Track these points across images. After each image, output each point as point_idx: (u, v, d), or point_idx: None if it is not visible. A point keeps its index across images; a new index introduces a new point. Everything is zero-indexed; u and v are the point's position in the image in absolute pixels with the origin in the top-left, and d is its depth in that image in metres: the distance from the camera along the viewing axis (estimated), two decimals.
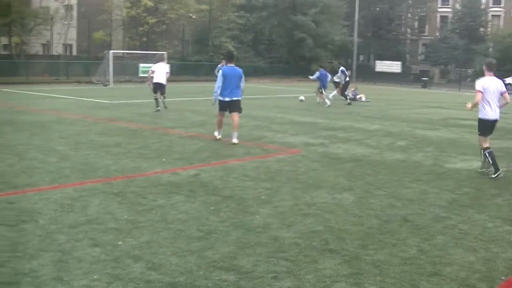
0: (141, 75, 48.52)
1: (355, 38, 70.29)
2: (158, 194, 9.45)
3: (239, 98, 15.96)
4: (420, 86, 61.87)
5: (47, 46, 62.76)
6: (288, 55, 72.19)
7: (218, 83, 15.68)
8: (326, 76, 31.54)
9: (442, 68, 78.48)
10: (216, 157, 13.32)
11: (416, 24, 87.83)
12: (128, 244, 6.97)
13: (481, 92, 11.87)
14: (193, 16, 63.91)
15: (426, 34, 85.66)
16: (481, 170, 12.49)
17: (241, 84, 15.92)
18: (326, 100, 29.97)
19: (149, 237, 7.28)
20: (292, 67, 69.64)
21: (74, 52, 64.52)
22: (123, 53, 55.24)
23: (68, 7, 63.64)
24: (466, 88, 55.03)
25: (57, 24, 57.35)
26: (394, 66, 67.87)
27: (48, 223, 7.75)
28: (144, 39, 59.46)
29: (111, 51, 47.22)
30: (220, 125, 16.24)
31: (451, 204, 9.62)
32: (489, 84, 11.98)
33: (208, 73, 57.85)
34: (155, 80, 23.73)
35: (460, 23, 77.67)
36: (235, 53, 16.06)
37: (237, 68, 16.10)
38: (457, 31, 77.32)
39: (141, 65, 48.83)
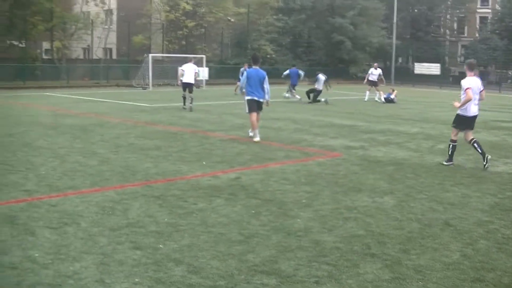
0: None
1: (394, 40, 69.75)
2: (198, 198, 9.48)
3: (261, 100, 16.69)
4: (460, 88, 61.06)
5: (87, 50, 63.30)
6: (326, 58, 71.92)
7: (242, 83, 17.10)
8: (296, 74, 34.24)
9: (481, 69, 77.55)
10: (256, 160, 13.32)
11: (455, 25, 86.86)
12: (169, 247, 7.01)
13: (471, 88, 13.04)
14: (232, 20, 64.00)
15: (465, 35, 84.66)
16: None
17: (265, 86, 16.65)
18: (296, 96, 33.25)
19: (190, 240, 7.30)
20: (331, 69, 69.38)
21: (114, 56, 64.98)
22: (162, 56, 55.54)
23: (108, 12, 64.05)
24: (507, 90, 54.38)
25: (98, 28, 57.78)
26: (433, 68, 67.19)
27: (90, 226, 7.82)
28: (183, 42, 59.66)
29: (151, 55, 47.51)
30: (255, 126, 16.57)
31: (493, 208, 9.51)
32: (473, 84, 13.22)
33: None
34: (184, 80, 26.22)
35: (499, 23, 76.55)
36: (259, 56, 17.07)
37: (261, 70, 16.82)
38: (497, 32, 76.29)
39: (180, 68, 49.05)
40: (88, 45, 58.69)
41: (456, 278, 6.32)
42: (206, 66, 50.11)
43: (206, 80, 49.06)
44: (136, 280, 6.00)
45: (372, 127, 20.54)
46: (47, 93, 35.95)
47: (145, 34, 59.69)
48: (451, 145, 13.53)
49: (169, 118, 22.09)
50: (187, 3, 57.73)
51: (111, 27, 63.80)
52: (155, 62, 45.80)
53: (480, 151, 13.22)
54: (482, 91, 13.54)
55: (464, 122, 13.46)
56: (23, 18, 49.91)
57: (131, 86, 46.06)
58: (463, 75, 15.05)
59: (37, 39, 53.71)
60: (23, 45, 51.40)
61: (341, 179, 11.44)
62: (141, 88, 44.17)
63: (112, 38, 63.31)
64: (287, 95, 34.59)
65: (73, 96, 33.96)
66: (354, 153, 14.79)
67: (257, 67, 16.85)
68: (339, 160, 13.73)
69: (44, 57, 56.92)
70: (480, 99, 13.56)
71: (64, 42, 53.76)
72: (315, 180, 11.24)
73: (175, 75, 45.54)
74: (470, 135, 13.53)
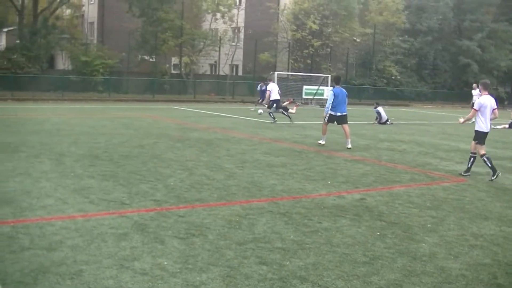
0: (305, 96, 49.03)
1: None
2: (323, 217, 9.52)
3: (346, 113, 19.75)
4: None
5: (214, 66, 64.54)
6: (452, 81, 70.70)
7: (329, 101, 19.51)
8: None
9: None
10: (381, 182, 13.23)
11: None
12: (294, 265, 7.07)
13: (477, 110, 14.54)
14: (357, 40, 63.90)
15: None
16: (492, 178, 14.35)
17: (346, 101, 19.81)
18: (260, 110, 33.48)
19: (315, 259, 7.34)
20: (456, 93, 68.19)
21: (240, 73, 65.98)
22: (288, 74, 56.04)
23: (236, 29, 65.22)
24: None
25: (225, 45, 58.89)
26: None
27: (216, 238, 7.98)
28: (308, 61, 59.99)
29: (276, 72, 48.01)
30: (324, 132, 19.90)
31: None
32: (487, 103, 14.46)
33: (370, 97, 57.70)
34: (272, 98, 29.55)
35: None
36: (341, 77, 20.06)
37: (343, 89, 19.87)
38: None
39: (305, 87, 49.31)
40: (215, 61, 59.86)
41: None
42: (331, 86, 50.06)
43: None
44: None
45: (499, 154, 19.96)
46: (174, 107, 36.91)
47: (271, 52, 60.35)
48: (485, 159, 14.66)
49: (293, 135, 22.26)
50: (314, 23, 58.05)
51: (238, 44, 64.91)
52: (280, 80, 46.17)
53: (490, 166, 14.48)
54: (495, 109, 14.71)
55: (482, 137, 14.84)
56: (155, 34, 51.60)
57: (256, 102, 46.61)
58: None
59: (166, 55, 55.34)
60: (154, 60, 53.10)
61: (467, 205, 11.20)
62: (265, 105, 44.62)
63: (239, 55, 64.36)
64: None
65: (199, 111, 34.73)
66: (480, 179, 14.44)
67: (339, 87, 19.79)
68: (465, 185, 13.45)
69: (173, 71, 58.55)
70: (494, 117, 14.87)
71: (192, 57, 55.18)
72: (440, 205, 11.05)
73: (299, 93, 45.91)
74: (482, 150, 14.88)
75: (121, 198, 10.25)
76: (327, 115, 19.69)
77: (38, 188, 10.84)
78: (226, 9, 55.88)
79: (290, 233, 8.41)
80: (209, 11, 56.39)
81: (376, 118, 30.98)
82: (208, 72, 65.41)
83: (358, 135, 23.76)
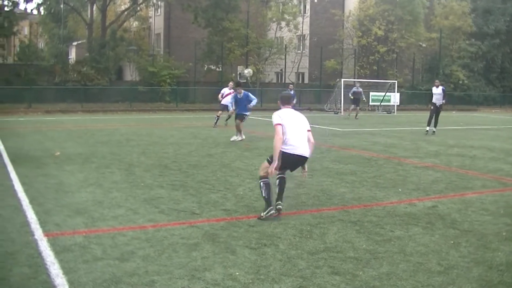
0: (372, 103, 48.70)
1: None
2: (395, 225, 9.39)
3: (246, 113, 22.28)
4: None
5: (280, 74, 64.65)
6: None
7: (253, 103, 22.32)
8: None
9: None
10: (452, 189, 12.98)
11: None
12: (367, 274, 6.98)
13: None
14: (423, 45, 63.20)
15: None
16: None
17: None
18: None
19: (388, 268, 7.24)
20: None
21: (306, 80, 65.93)
22: (354, 81, 55.82)
23: (301, 37, 65.23)
24: None
25: (291, 53, 58.92)
26: None
27: (288, 248, 7.95)
28: (375, 67, 59.60)
29: (343, 79, 47.85)
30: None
31: None
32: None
33: None
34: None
35: None
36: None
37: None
38: None
39: (372, 93, 48.96)
40: (281, 69, 59.94)
41: None
42: (398, 92, 49.71)
43: (398, 106, 48.64)
44: None
45: None
46: None
47: (337, 59, 60.22)
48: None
49: (361, 143, 22.09)
50: (379, 29, 57.71)
51: (303, 52, 64.88)
52: (346, 87, 45.95)
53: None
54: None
55: None
56: (220, 44, 52.04)
57: (323, 110, 46.59)
58: None
59: (233, 64, 55.70)
60: (220, 69, 53.52)
61: None
62: (333, 113, 44.52)
63: (305, 62, 64.35)
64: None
65: (266, 119, 34.75)
66: None
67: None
68: None
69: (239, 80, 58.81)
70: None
71: (259, 66, 55.31)
72: None
73: (366, 100, 45.51)
74: None
75: (191, 208, 10.30)
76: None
77: (110, 199, 10.98)
78: (291, 17, 55.87)
79: (362, 242, 8.32)
80: (274, 19, 56.47)
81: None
82: (274, 81, 65.57)
83: (427, 141, 23.41)
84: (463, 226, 9.53)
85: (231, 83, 28.64)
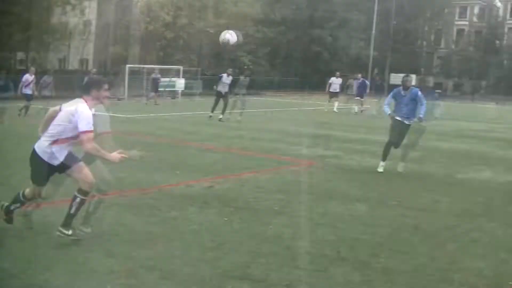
0: (160, 89, 48.60)
1: (371, 52, 69.99)
2: (171, 206, 9.43)
3: None
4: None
5: (63, 60, 62.80)
6: (303, 69, 72.13)
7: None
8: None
9: (455, 80, 78.64)
10: (230, 169, 13.30)
11: (432, 37, 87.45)
12: (142, 255, 7.04)
13: None
14: (211, 31, 64.03)
15: (442, 47, 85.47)
16: None
17: None
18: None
19: (163, 248, 7.37)
20: (308, 80, 69.61)
21: (90, 67, 64.66)
22: (139, 67, 55.38)
23: (87, 22, 63.88)
24: (479, 100, 55.93)
25: (75, 39, 57.53)
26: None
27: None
28: (161, 53, 59.65)
29: (127, 66, 47.27)
30: None
31: (462, 213, 9.69)
32: None
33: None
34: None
35: (476, 36, 77.58)
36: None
37: None
38: (473, 43, 77.31)
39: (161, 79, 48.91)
40: (64, 56, 58.31)
41: (424, 280, 6.50)
42: (183, 77, 49.81)
43: (183, 91, 48.68)
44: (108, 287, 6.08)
45: (349, 136, 20.58)
46: None
47: (123, 45, 59.64)
48: None
49: (147, 129, 21.88)
50: (168, 14, 57.73)
51: (89, 38, 63.67)
52: (132, 73, 45.58)
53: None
54: None
55: None
56: None
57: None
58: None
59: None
60: None
61: (314, 187, 11.48)
62: (116, 99, 44.07)
63: (90, 49, 63.22)
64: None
65: None
66: (328, 162, 14.87)
67: None
68: (313, 168, 13.88)
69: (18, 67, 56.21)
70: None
71: (40, 53, 53.42)
72: (288, 188, 11.28)
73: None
74: None
75: None
76: None
77: None
78: (77, 2, 54.25)
79: (138, 225, 8.33)
80: (59, 3, 54.54)
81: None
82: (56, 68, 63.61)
83: (210, 124, 23.78)
84: (237, 203, 9.87)
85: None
